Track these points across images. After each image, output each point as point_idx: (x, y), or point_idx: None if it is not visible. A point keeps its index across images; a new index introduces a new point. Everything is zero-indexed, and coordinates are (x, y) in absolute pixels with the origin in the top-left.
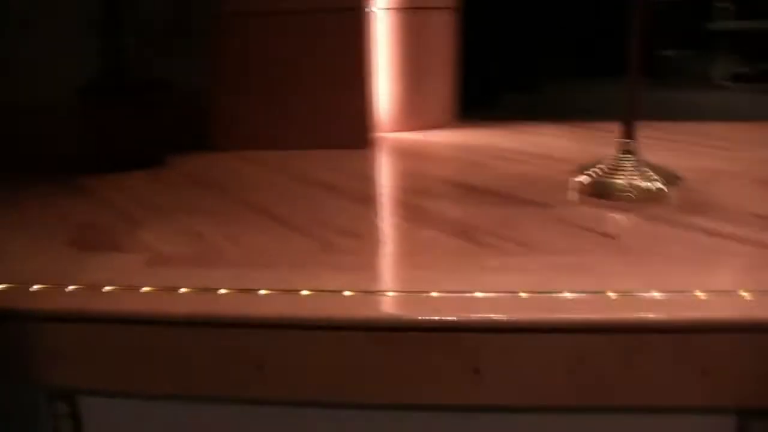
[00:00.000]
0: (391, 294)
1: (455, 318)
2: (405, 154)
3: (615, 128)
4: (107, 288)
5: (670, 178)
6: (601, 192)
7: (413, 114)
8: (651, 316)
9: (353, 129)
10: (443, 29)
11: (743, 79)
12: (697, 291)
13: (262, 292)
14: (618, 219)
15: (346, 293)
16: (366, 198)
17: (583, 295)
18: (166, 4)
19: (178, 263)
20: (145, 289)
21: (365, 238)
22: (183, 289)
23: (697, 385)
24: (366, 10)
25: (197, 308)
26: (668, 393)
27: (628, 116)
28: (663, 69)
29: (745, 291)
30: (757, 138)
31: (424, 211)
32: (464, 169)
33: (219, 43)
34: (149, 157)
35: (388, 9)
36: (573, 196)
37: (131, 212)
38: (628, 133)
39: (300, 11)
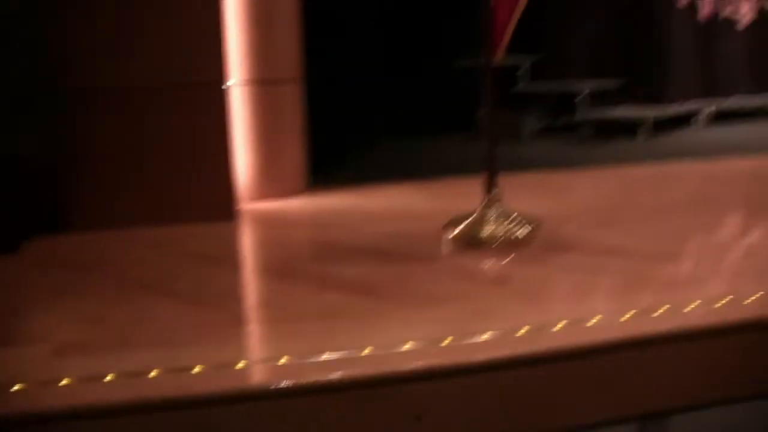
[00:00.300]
0: (324, 357)
1: (391, 370)
2: (275, 223)
3: (466, 182)
4: (17, 387)
5: (531, 222)
6: (474, 242)
7: (270, 182)
8: (562, 344)
9: (217, 201)
10: (292, 99)
11: (548, 132)
12: (591, 318)
13: (197, 369)
14: (495, 264)
15: (282, 361)
16: (253, 267)
17: (496, 333)
18: (10, 79)
19: (91, 350)
20: (64, 382)
21: (271, 307)
22: (109, 377)
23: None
24: (221, 85)
25: (128, 394)
26: (585, 409)
27: (490, 170)
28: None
29: (626, 312)
30: (588, 183)
31: (320, 275)
32: (339, 232)
33: (71, 120)
34: (4, 241)
35: (239, 83)
36: (449, 248)
37: (12, 302)
38: (491, 185)
39: (154, 87)
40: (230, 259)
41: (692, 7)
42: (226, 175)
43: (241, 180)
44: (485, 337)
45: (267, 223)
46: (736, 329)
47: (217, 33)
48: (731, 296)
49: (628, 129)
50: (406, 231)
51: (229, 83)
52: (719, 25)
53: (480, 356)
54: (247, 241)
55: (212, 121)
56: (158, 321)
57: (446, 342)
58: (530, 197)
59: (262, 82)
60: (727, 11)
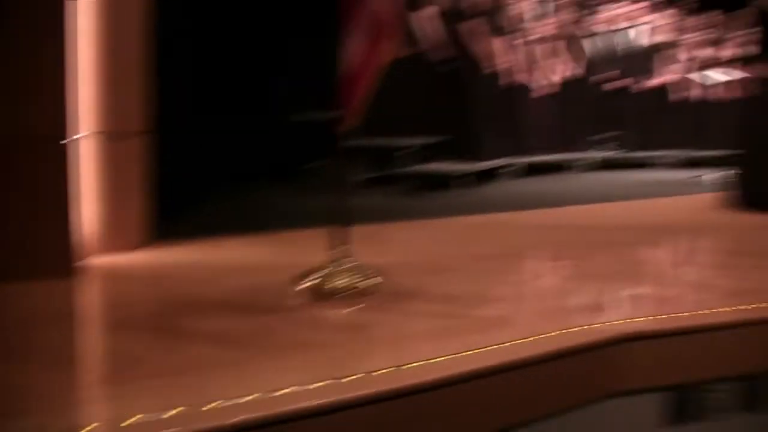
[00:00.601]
0: (204, 408)
1: (270, 413)
2: (121, 278)
3: (305, 234)
4: None
5: (374, 272)
6: (325, 293)
7: (114, 236)
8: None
9: (56, 257)
10: (136, 152)
11: (372, 183)
12: (445, 356)
13: None
14: (348, 313)
15: (165, 416)
16: (96, 324)
17: (359, 375)
18: None
19: None
20: None
21: (135, 363)
22: None
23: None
24: (62, 138)
25: None
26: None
27: (340, 224)
28: (309, 178)
29: (469, 350)
30: (414, 234)
31: (179, 330)
32: (188, 286)
33: None
34: None
35: (83, 136)
36: (302, 299)
37: None
38: (340, 239)
39: None
40: (69, 317)
41: (501, 74)
42: (66, 230)
43: (85, 234)
44: (348, 380)
45: (112, 278)
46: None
47: (60, 87)
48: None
49: (446, 182)
50: (255, 284)
51: (72, 137)
52: (526, 90)
53: (348, 395)
54: (90, 298)
55: (52, 176)
56: (15, 385)
57: (316, 385)
58: (365, 248)
59: (107, 136)
60: (534, 76)
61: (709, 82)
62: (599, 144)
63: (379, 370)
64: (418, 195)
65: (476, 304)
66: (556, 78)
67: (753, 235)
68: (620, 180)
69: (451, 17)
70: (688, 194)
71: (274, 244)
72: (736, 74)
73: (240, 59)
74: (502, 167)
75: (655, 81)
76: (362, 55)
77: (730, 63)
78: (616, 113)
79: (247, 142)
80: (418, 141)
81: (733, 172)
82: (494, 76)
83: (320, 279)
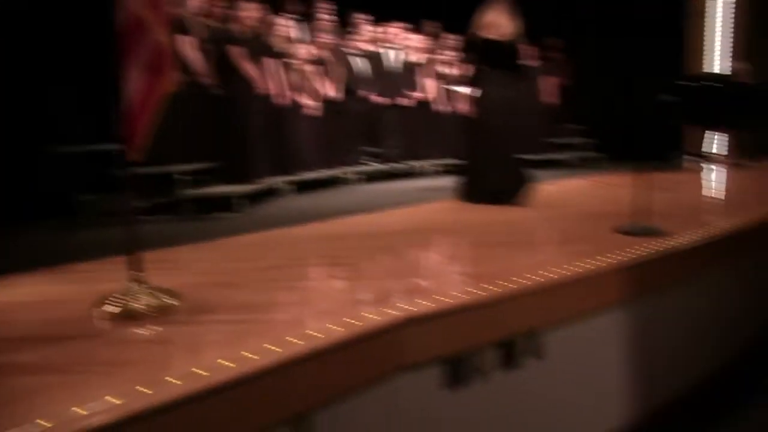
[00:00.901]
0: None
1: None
2: None
3: (97, 266)
4: None
5: (173, 293)
6: (127, 315)
7: None
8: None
9: None
10: None
11: (154, 211)
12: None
13: None
14: (150, 332)
15: None
16: None
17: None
18: None
19: None
20: None
21: None
22: None
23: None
24: None
25: None
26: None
27: (133, 252)
28: (82, 210)
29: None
30: (200, 256)
31: None
32: None
33: None
34: None
35: None
36: (108, 324)
37: None
38: (135, 266)
39: None
40: None
41: (270, 95)
42: None
43: None
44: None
45: None
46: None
47: None
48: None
49: (227, 204)
50: (57, 316)
51: None
52: (296, 110)
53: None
54: None
55: None
56: None
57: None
58: (157, 272)
59: None
60: (303, 96)
61: (458, 96)
62: (368, 157)
63: (182, 377)
64: (200, 218)
65: (268, 310)
66: (325, 96)
67: (490, 228)
68: (389, 189)
69: (219, 41)
70: (449, 199)
71: (62, 278)
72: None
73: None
74: (277, 186)
75: (414, 96)
76: (143, 87)
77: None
78: (381, 128)
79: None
80: (194, 166)
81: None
82: (264, 97)
83: (119, 304)
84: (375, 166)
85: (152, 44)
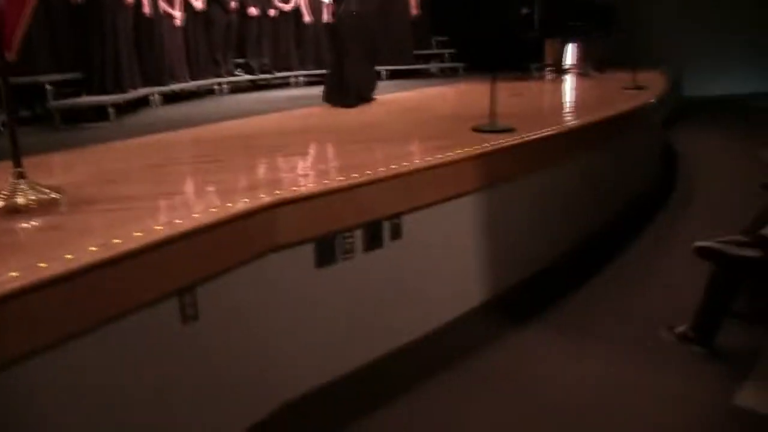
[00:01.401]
0: None
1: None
2: None
3: None
4: None
5: (54, 189)
6: (12, 209)
7: None
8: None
9: None
10: None
11: (22, 123)
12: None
13: None
14: (40, 220)
15: None
16: None
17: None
18: None
19: None
20: None
21: None
22: None
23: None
24: None
25: None
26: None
27: (15, 151)
28: None
29: (155, 227)
30: (91, 158)
31: None
32: None
33: None
34: None
35: None
36: None
37: None
38: (17, 163)
39: None
40: None
41: (138, 5)
42: None
43: None
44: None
45: None
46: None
47: None
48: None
49: (96, 114)
50: None
51: None
52: (163, 20)
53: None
54: None
55: None
56: None
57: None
58: (38, 173)
59: None
60: (170, 6)
61: (324, 7)
62: (237, 68)
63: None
64: (73, 128)
65: (150, 200)
66: (193, 7)
67: (355, 130)
68: (258, 99)
69: None
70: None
71: None
72: None
73: None
74: (149, 96)
75: (282, 7)
76: None
77: None
78: (249, 39)
79: None
80: (64, 76)
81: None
82: (131, 7)
83: (8, 199)
84: (244, 77)
85: None
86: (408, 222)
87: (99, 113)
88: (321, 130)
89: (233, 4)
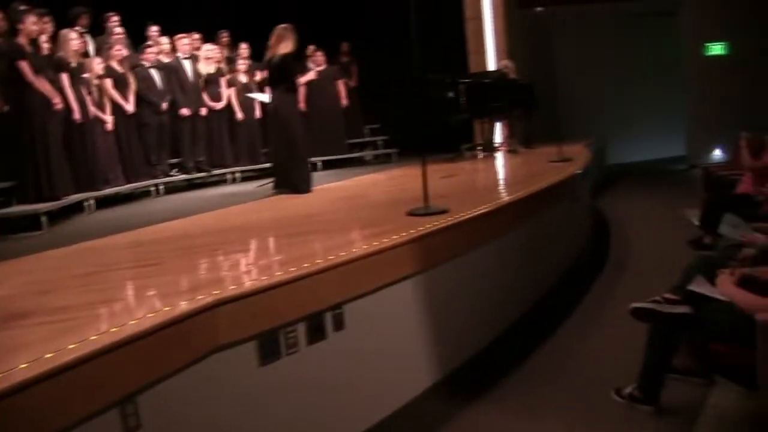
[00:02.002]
0: None
1: None
2: None
3: None
4: None
5: None
6: None
7: None
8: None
9: None
10: None
11: None
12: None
13: None
14: None
15: None
16: None
17: None
18: None
19: None
20: None
21: None
22: None
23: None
24: None
25: None
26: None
27: None
28: None
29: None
30: (22, 269)
31: None
32: None
33: None
34: None
35: None
36: None
37: None
38: None
39: None
40: None
41: (68, 111)
42: None
43: None
44: None
45: None
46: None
47: None
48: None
49: (27, 224)
50: None
51: None
52: (94, 124)
53: None
54: None
55: None
56: None
57: None
58: None
59: None
60: (100, 110)
61: (256, 103)
62: (170, 169)
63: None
64: (3, 239)
65: (83, 310)
66: (123, 109)
67: (292, 222)
68: (193, 198)
69: (6, 56)
70: (255, 200)
71: None
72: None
73: None
74: (83, 201)
75: (212, 106)
76: None
77: (261, 86)
78: (181, 138)
79: None
80: None
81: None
82: (60, 113)
83: None
84: (180, 177)
85: None
86: (350, 311)
87: (31, 222)
88: (260, 225)
89: (164, 106)
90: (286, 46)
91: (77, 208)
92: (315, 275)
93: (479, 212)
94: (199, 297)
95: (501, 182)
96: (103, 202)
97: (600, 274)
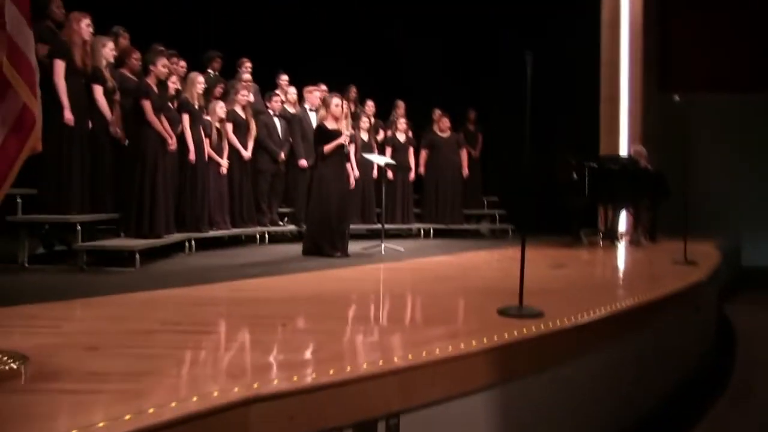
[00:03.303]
0: None
1: None
2: None
3: None
4: None
5: (17, 356)
6: None
7: None
8: None
9: None
10: None
11: (46, 261)
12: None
13: None
14: None
15: None
16: None
17: None
18: None
19: None
20: None
21: None
22: None
23: None
24: None
25: None
26: None
27: None
28: None
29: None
30: (84, 313)
31: None
32: None
33: None
34: None
35: None
36: None
37: None
38: None
39: None
40: None
41: (183, 150)
42: None
43: None
44: None
45: None
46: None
47: None
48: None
49: (122, 258)
50: None
51: None
52: (208, 167)
53: None
54: None
55: None
56: None
57: None
58: (23, 331)
59: None
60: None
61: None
62: (284, 217)
63: None
64: (95, 271)
65: (112, 381)
66: (243, 155)
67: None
68: (297, 252)
69: (132, 93)
70: (355, 265)
71: None
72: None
73: None
74: (183, 241)
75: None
76: (3, 149)
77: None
78: (296, 189)
79: None
80: (95, 216)
81: None
82: (176, 154)
83: None
84: (287, 227)
85: (16, 104)
86: (408, 422)
87: (127, 258)
88: (333, 299)
89: (282, 155)
90: (323, 113)
91: (178, 247)
92: (371, 380)
93: (580, 323)
94: (235, 389)
95: (615, 282)
96: (205, 244)
97: (717, 402)
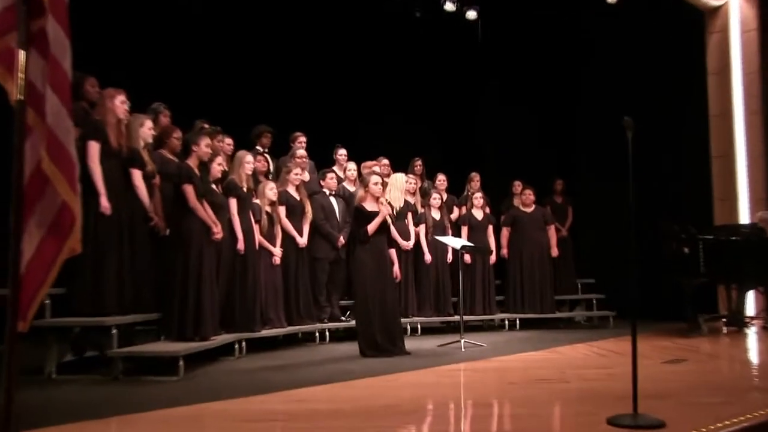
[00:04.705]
0: None
1: None
2: None
3: None
4: None
5: None
6: None
7: None
8: None
9: None
10: None
11: (77, 368)
12: None
13: None
14: None
15: None
16: None
17: None
18: None
19: None
20: None
21: None
22: None
23: None
24: None
25: None
26: None
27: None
28: None
29: None
30: None
31: None
32: None
33: None
34: None
35: None
36: None
37: None
38: None
39: None
40: None
41: (231, 239)
42: None
43: None
44: None
45: None
46: None
47: None
48: None
49: (163, 366)
50: None
51: None
52: (259, 257)
53: None
54: None
55: None
56: None
57: None
58: None
59: None
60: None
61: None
62: (345, 312)
63: None
64: (133, 380)
65: None
66: (296, 242)
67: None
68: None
69: (174, 177)
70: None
71: None
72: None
73: None
74: (233, 342)
75: (401, 244)
76: (41, 247)
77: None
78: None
79: None
80: (132, 318)
81: None
82: (221, 243)
83: None
84: (349, 323)
85: (55, 202)
86: None
87: (168, 364)
88: (408, 410)
89: (341, 240)
90: (361, 193)
91: (227, 350)
92: None
93: None
94: None
95: (749, 381)
96: (258, 345)
97: None
